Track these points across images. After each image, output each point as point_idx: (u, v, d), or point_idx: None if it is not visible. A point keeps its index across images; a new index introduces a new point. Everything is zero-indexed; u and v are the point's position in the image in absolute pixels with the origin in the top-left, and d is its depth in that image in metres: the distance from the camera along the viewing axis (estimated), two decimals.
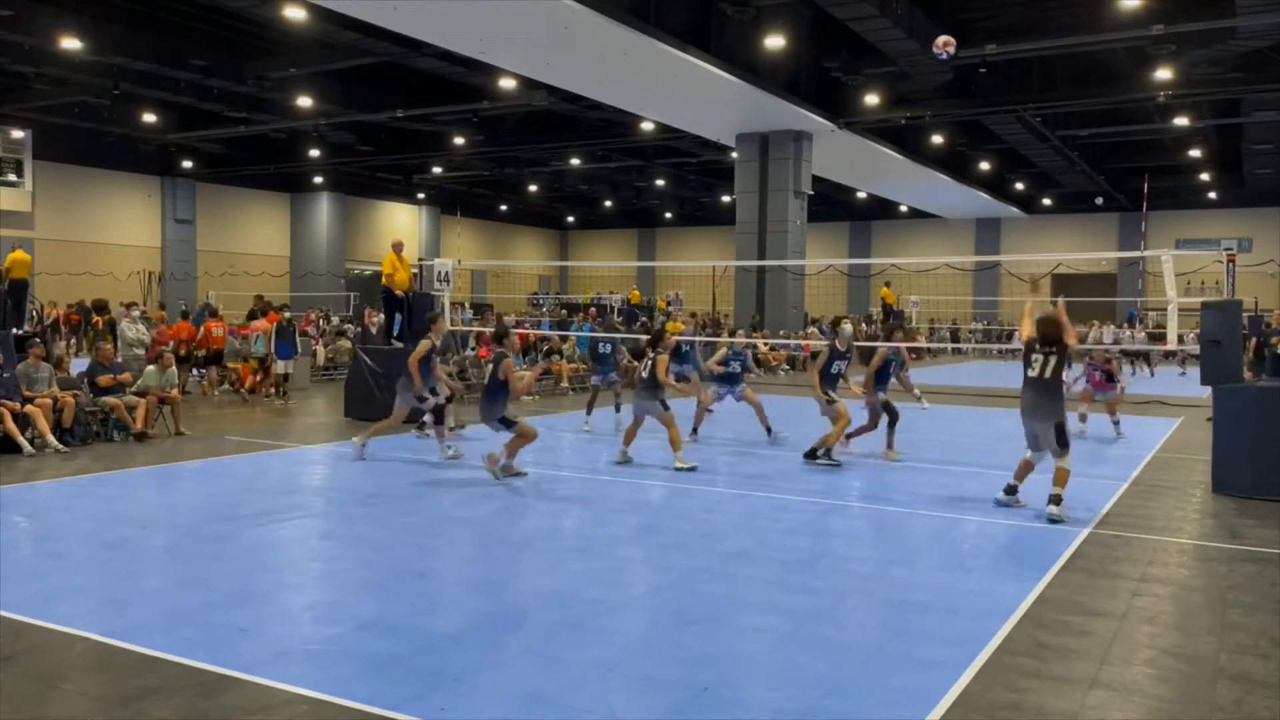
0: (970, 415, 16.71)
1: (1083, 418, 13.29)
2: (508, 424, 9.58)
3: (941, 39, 12.57)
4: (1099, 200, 39.62)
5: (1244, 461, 9.28)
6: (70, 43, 21.18)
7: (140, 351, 15.33)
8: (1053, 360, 8.07)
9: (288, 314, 18.41)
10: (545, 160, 36.96)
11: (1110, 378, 13.47)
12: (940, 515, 8.33)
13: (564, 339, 21.24)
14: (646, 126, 27.87)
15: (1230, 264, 17.79)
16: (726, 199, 37.80)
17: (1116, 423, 13.42)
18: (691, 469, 10.23)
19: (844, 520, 8.34)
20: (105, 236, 37.33)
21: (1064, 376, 8.29)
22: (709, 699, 4.37)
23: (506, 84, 23.73)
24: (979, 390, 21.35)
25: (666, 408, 10.53)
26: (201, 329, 17.94)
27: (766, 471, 10.49)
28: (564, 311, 34.39)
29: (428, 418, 11.64)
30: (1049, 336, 8.16)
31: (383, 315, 16.07)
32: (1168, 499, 9.18)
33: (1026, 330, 8.45)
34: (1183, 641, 5.25)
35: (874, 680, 4.63)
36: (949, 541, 7.51)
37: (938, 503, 8.85)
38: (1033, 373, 8.15)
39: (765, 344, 23.33)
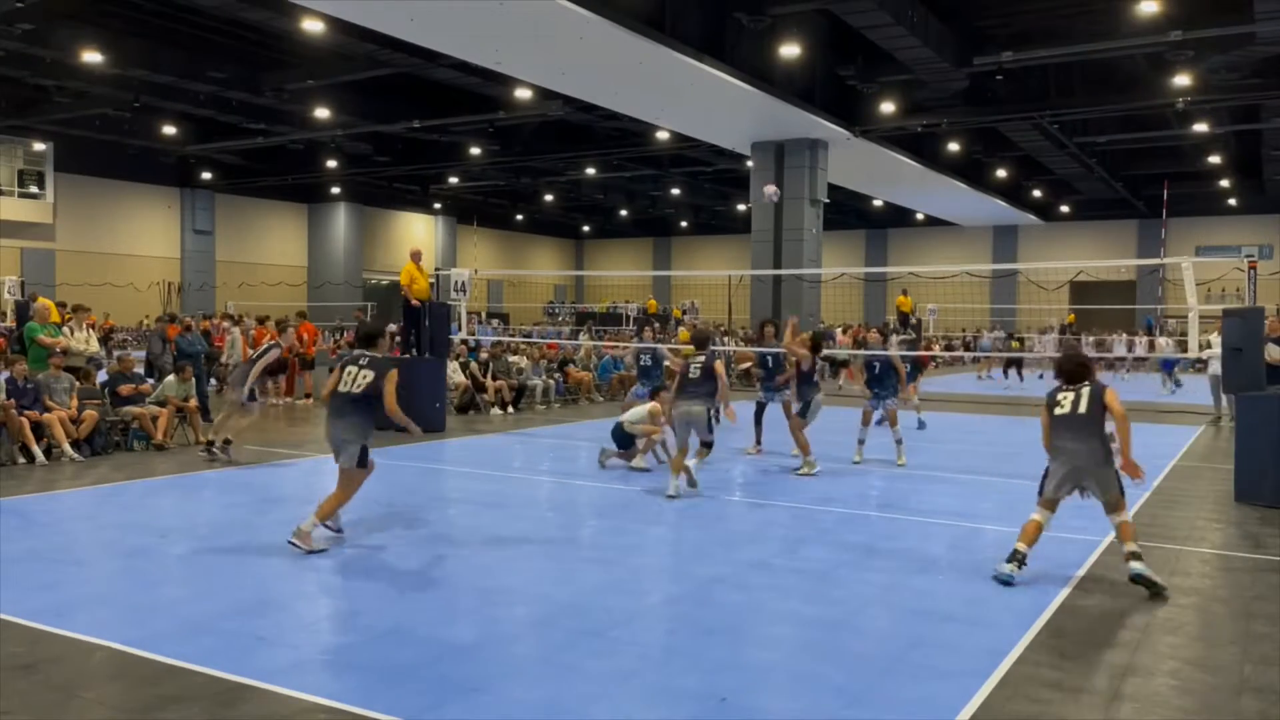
0: (985, 423, 16.63)
1: None
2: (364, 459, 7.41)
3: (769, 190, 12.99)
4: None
5: (1267, 470, 9.18)
6: (91, 56, 21.40)
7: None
8: (1085, 393, 6.55)
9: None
10: (561, 170, 37.06)
11: None
12: (958, 524, 8.28)
13: (577, 348, 21.27)
14: (662, 136, 27.90)
15: (1251, 271, 17.61)
16: (742, 207, 37.79)
17: None
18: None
19: (862, 529, 8.29)
20: (125, 248, 37.67)
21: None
22: (727, 709, 4.34)
23: (522, 94, 23.81)
24: (994, 399, 21.24)
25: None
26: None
27: (783, 481, 10.45)
28: (577, 321, 34.42)
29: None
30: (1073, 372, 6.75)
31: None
32: (1190, 508, 9.10)
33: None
34: (1206, 653, 5.19)
35: (894, 691, 4.59)
36: (968, 551, 7.45)
37: (955, 512, 8.79)
38: (1062, 410, 6.55)
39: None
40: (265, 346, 12.14)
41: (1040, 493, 6.56)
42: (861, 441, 11.58)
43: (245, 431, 11.47)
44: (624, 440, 10.97)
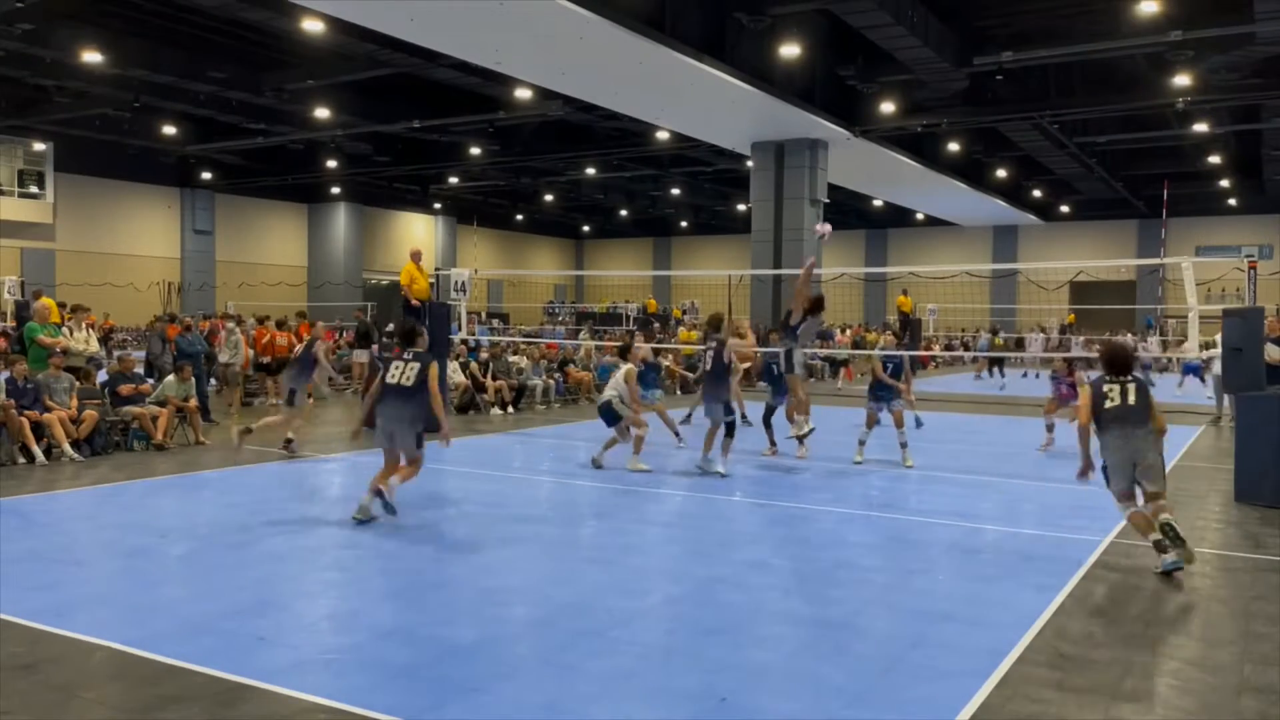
0: (984, 424, 16.63)
1: (1049, 429, 12.75)
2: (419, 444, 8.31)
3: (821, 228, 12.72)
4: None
5: (1267, 470, 9.17)
6: (91, 56, 21.40)
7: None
8: (1131, 387, 6.86)
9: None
10: (561, 170, 37.07)
11: (1075, 389, 13.25)
12: (959, 524, 8.27)
13: (577, 349, 21.29)
14: (662, 136, 27.91)
15: (1251, 271, 17.64)
16: (742, 207, 37.81)
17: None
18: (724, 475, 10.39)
19: (862, 529, 8.29)
20: (126, 248, 37.67)
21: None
22: (727, 709, 4.34)
23: (522, 94, 23.82)
24: (993, 399, 21.24)
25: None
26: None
27: (784, 481, 10.45)
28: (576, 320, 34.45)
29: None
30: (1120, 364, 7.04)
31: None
32: (1190, 508, 9.09)
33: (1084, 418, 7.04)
34: (1206, 652, 5.19)
35: (894, 690, 4.59)
36: (968, 551, 7.45)
37: (955, 512, 8.79)
38: (1112, 403, 6.84)
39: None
40: (306, 343, 12.34)
41: (1111, 491, 6.93)
42: (862, 443, 11.58)
43: (274, 429, 11.76)
44: (611, 417, 10.93)
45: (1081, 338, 33.86)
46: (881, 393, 11.57)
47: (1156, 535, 6.59)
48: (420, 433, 8.12)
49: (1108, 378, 6.92)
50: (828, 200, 26.94)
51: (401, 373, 8.08)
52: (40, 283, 25.48)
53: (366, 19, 17.22)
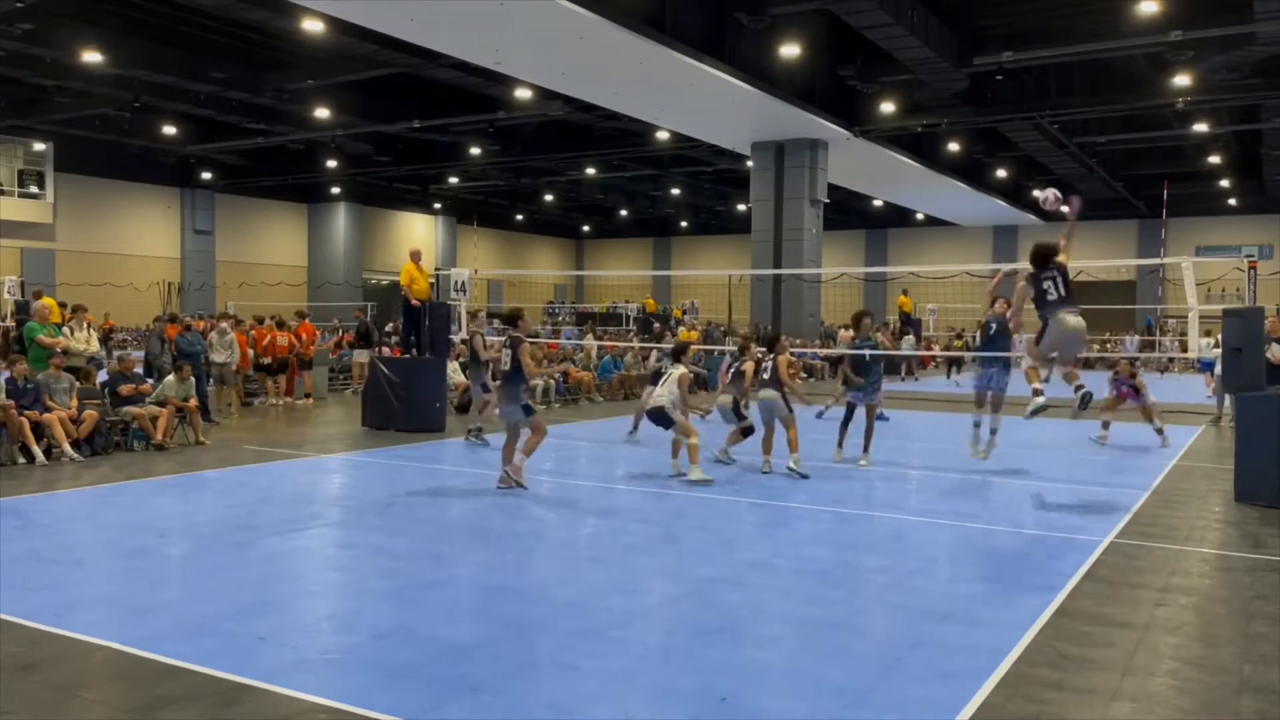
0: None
1: (1105, 425, 13.18)
2: (529, 412, 9.54)
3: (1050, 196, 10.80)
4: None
5: (1267, 470, 9.17)
6: (91, 56, 21.42)
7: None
8: (1059, 280, 8.60)
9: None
10: (561, 170, 37.08)
11: (1137, 390, 13.53)
12: (959, 525, 8.27)
13: (578, 349, 21.28)
14: (662, 136, 27.92)
15: (1251, 271, 17.65)
16: (742, 207, 37.82)
17: (1160, 430, 13.20)
18: (804, 476, 10.22)
19: (862, 529, 8.30)
20: (126, 248, 37.66)
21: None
22: (727, 709, 4.34)
23: (522, 94, 23.84)
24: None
25: (791, 410, 10.60)
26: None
27: (784, 481, 10.45)
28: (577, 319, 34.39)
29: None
30: (1044, 259, 8.69)
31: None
32: (1190, 508, 9.10)
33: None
34: (1206, 652, 5.19)
35: (894, 691, 4.59)
36: (968, 551, 7.46)
37: (955, 512, 8.79)
38: (1052, 297, 8.58)
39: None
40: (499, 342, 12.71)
41: (1038, 348, 8.78)
42: (977, 425, 11.01)
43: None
44: (665, 421, 10.22)
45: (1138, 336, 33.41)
46: (992, 371, 10.89)
47: (1038, 385, 8.87)
48: (525, 404, 9.39)
49: (1041, 273, 8.57)
50: (828, 200, 26.94)
51: (500, 360, 9.51)
52: (40, 283, 25.50)
53: (366, 19, 17.23)
